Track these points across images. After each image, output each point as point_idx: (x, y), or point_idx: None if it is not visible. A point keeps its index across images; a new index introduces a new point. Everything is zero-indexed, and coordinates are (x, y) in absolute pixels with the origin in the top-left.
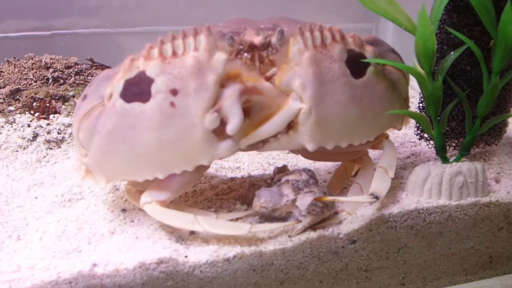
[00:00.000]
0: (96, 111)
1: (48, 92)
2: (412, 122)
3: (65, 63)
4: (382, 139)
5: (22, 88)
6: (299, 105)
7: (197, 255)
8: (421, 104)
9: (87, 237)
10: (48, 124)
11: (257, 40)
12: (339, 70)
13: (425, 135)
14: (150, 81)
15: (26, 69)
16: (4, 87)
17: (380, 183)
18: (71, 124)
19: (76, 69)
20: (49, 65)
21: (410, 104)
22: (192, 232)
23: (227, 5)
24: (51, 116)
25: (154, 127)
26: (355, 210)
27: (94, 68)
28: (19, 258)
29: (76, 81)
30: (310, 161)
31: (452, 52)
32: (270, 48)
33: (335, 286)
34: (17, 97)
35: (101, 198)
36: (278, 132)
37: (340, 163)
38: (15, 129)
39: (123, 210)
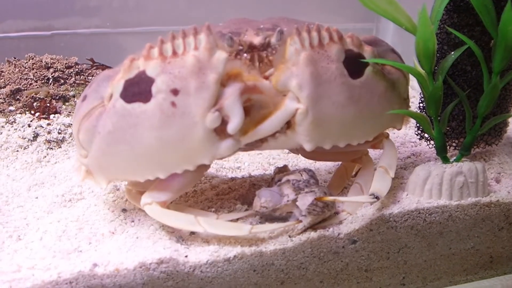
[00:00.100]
0: (96, 111)
1: (48, 92)
2: (413, 122)
3: (66, 63)
4: (382, 138)
5: (23, 88)
6: (296, 105)
7: (198, 255)
8: (421, 104)
9: (87, 237)
10: (48, 124)
11: (257, 40)
12: (336, 71)
13: (426, 135)
14: (150, 81)
15: (26, 69)
16: (4, 87)
17: (380, 183)
18: (71, 124)
19: (77, 69)
20: (49, 65)
21: (410, 104)
22: (192, 232)
23: (227, 5)
24: (51, 116)
25: (155, 127)
26: (356, 210)
27: (94, 68)
28: (20, 258)
29: (77, 81)
30: (311, 161)
31: (453, 52)
32: (270, 48)
33: (336, 286)
34: (18, 97)
35: (101, 198)
36: (276, 131)
37: (340, 163)
38: (16, 129)
39: (124, 210)
